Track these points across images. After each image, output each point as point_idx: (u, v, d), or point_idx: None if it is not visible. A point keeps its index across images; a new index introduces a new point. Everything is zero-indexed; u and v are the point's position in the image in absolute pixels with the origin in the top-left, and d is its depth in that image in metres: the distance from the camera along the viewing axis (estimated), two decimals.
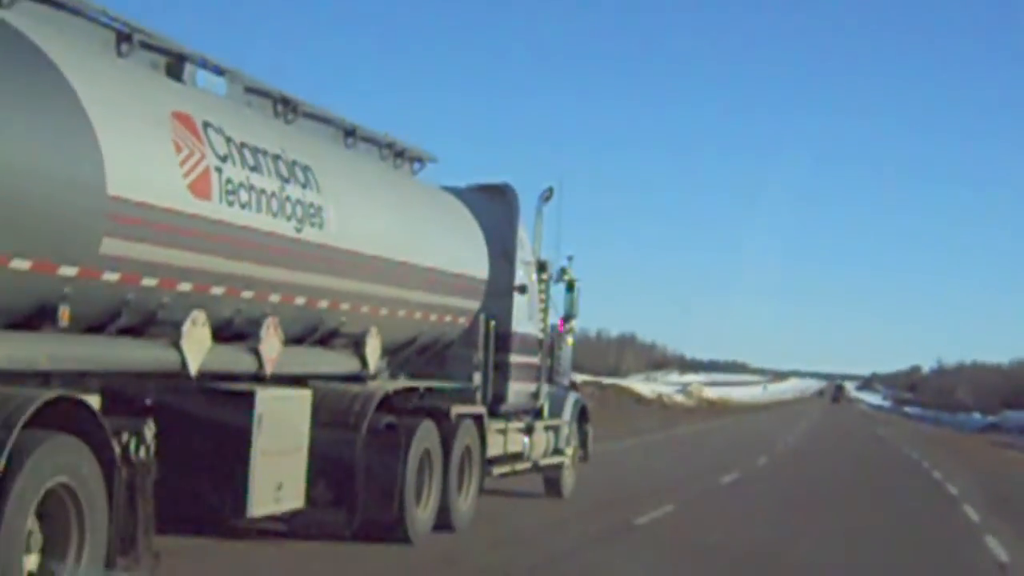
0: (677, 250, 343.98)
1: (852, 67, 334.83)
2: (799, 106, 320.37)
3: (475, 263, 14.98)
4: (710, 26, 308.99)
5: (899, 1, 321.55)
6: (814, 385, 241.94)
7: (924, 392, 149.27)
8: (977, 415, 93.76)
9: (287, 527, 12.27)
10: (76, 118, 8.15)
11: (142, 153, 8.75)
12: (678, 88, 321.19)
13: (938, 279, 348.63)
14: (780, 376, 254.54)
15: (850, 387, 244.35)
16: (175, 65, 10.43)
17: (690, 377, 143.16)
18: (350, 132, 13.26)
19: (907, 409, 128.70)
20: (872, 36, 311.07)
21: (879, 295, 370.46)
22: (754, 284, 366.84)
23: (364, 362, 12.42)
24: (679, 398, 78.48)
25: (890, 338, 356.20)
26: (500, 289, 15.64)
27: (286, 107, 12.03)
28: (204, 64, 10.70)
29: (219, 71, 11.02)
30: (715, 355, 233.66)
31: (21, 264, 7.83)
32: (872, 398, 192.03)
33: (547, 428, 17.74)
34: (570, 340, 19.33)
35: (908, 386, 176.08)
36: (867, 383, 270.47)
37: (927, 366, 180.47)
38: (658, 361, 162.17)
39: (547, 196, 17.55)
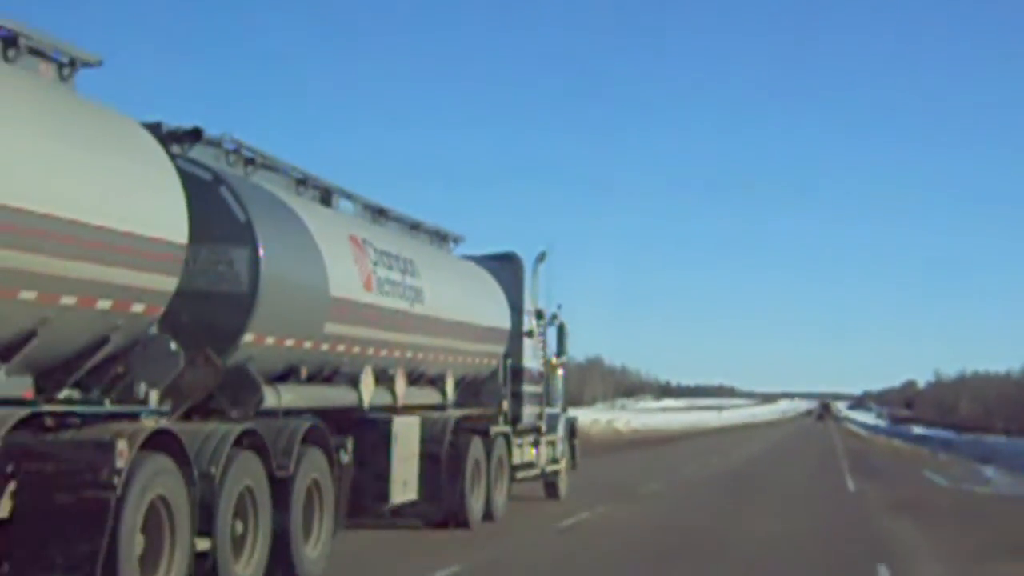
0: (660, 273, 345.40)
1: (840, 78, 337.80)
2: (781, 121, 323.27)
3: (501, 317, 19.93)
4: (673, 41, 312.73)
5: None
6: (803, 406, 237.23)
7: (922, 407, 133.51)
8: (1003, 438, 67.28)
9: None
10: (313, 248, 12.98)
11: (341, 265, 13.59)
12: (666, 105, 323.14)
13: (925, 292, 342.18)
14: (768, 399, 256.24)
15: (841, 406, 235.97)
16: (326, 196, 15.26)
17: (666, 403, 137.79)
18: (415, 226, 18.13)
19: (917, 430, 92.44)
20: (851, 49, 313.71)
21: (868, 313, 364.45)
22: (743, 307, 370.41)
23: (444, 395, 17.32)
24: (619, 426, 68.33)
25: (881, 355, 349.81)
26: (513, 334, 20.62)
27: (382, 215, 16.88)
28: (344, 193, 15.56)
29: (347, 196, 15.86)
30: (703, 380, 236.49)
31: (289, 342, 12.64)
32: (864, 416, 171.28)
33: (548, 442, 22.70)
34: (560, 372, 24.31)
35: (904, 402, 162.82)
36: (859, 402, 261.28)
37: (923, 380, 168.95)
38: (630, 387, 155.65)
39: (541, 258, 22.56)
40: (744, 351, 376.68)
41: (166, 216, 10.23)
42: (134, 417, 10.15)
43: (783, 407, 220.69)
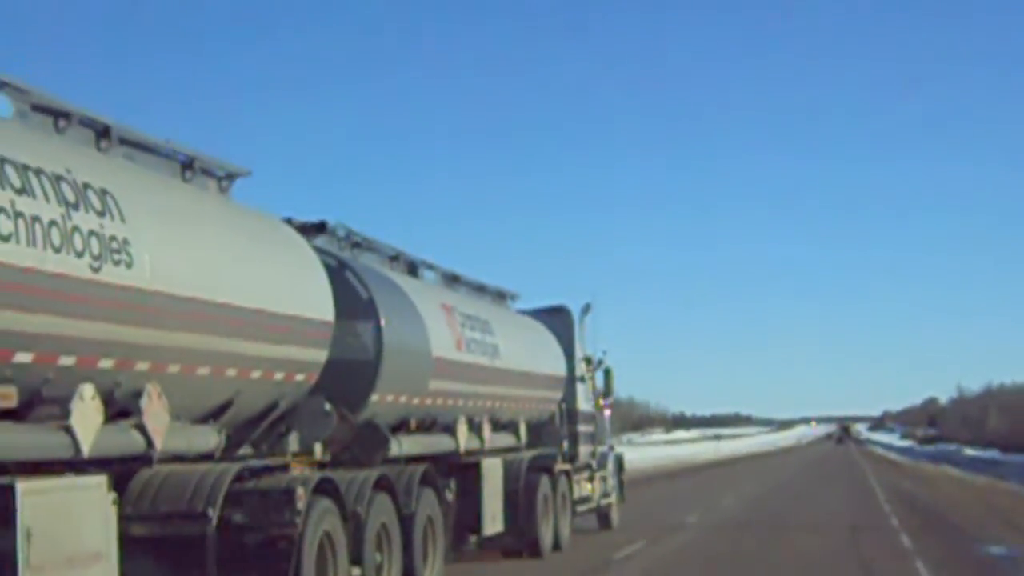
0: (672, 303, 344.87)
1: (863, 103, 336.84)
2: (792, 146, 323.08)
3: (558, 366, 22.10)
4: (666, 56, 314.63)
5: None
6: (821, 430, 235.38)
7: (947, 425, 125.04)
8: None
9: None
10: (417, 316, 15.15)
11: (438, 329, 15.77)
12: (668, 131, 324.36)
13: (939, 307, 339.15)
14: (785, 425, 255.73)
15: (861, 428, 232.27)
16: (412, 268, 17.45)
17: (677, 434, 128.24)
18: (481, 287, 20.31)
19: (969, 452, 75.42)
20: (867, 77, 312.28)
21: (882, 332, 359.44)
22: (756, 335, 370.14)
23: (518, 438, 19.47)
24: None
25: (899, 374, 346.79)
26: (567, 380, 22.77)
27: (456, 280, 19.06)
28: (426, 264, 17.76)
29: (429, 267, 18.05)
30: (719, 409, 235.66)
31: (403, 398, 14.81)
32: (887, 438, 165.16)
33: (600, 478, 24.80)
34: (607, 412, 26.44)
35: (927, 420, 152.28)
36: (879, 423, 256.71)
37: (944, 396, 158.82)
38: (637, 420, 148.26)
39: (587, 309, 24.77)
40: (759, 379, 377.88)
41: (320, 300, 12.44)
42: (284, 469, 12.27)
43: (799, 433, 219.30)
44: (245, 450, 12.07)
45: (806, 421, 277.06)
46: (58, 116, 9.89)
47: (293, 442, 12.99)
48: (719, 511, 31.60)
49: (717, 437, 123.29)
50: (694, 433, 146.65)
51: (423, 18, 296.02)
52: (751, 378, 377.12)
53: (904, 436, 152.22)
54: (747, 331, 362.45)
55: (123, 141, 10.63)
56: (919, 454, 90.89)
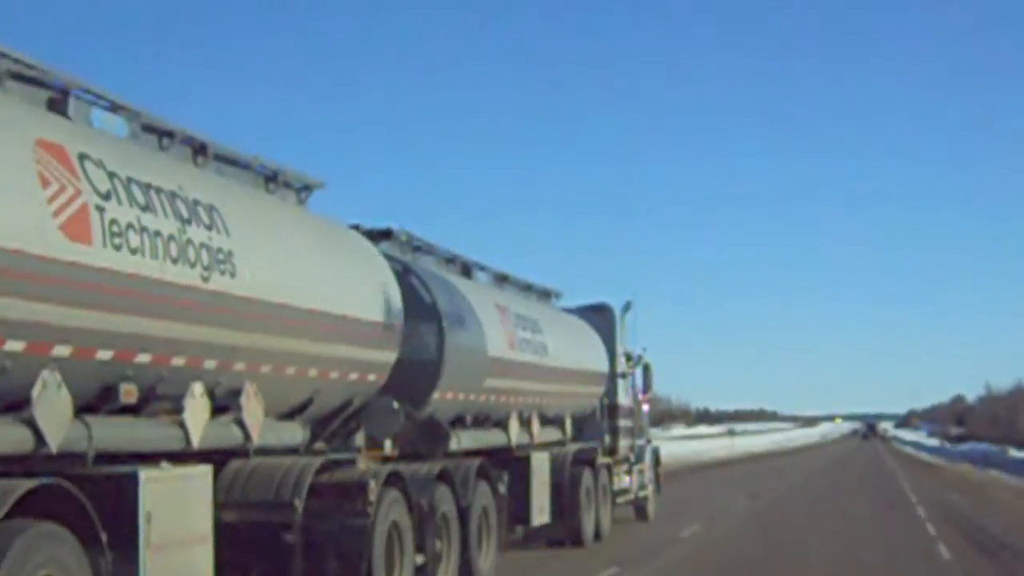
0: (699, 299, 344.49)
1: (886, 104, 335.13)
2: (823, 146, 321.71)
3: (601, 362, 22.94)
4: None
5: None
6: (846, 427, 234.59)
7: (975, 424, 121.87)
8: None
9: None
10: (475, 317, 16.02)
11: (493, 330, 16.62)
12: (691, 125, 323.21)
13: (966, 305, 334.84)
14: (810, 422, 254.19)
15: (887, 426, 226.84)
16: (466, 269, 18.27)
17: (700, 429, 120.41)
18: (528, 287, 21.16)
19: (1016, 453, 66.55)
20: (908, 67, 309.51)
21: (909, 330, 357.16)
22: (783, 331, 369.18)
23: (564, 432, 20.34)
24: None
25: (925, 372, 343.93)
26: (609, 376, 23.62)
27: (505, 280, 19.89)
28: (478, 266, 18.60)
29: (481, 268, 18.88)
30: (744, 405, 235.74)
31: (461, 396, 15.64)
32: (914, 436, 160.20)
33: (639, 470, 25.64)
34: (645, 407, 27.28)
35: (955, 418, 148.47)
36: (905, 421, 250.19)
37: (972, 394, 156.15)
38: (659, 415, 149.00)
39: (627, 307, 25.59)
40: (785, 376, 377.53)
41: (392, 305, 13.30)
42: (351, 462, 13.13)
43: (823, 429, 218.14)
44: (318, 445, 12.96)
45: (831, 418, 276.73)
46: (162, 135, 10.77)
47: (360, 437, 13.91)
48: (684, 547, 21.74)
49: (731, 432, 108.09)
50: (717, 428, 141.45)
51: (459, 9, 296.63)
52: (777, 375, 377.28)
53: (931, 434, 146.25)
54: (774, 327, 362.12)
55: (217, 157, 11.51)
56: (953, 454, 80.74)
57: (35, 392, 7.83)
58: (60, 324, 8.04)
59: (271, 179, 12.65)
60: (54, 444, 7.97)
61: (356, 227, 14.78)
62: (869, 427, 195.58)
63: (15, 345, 7.72)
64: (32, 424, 7.85)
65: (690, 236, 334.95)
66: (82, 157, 8.47)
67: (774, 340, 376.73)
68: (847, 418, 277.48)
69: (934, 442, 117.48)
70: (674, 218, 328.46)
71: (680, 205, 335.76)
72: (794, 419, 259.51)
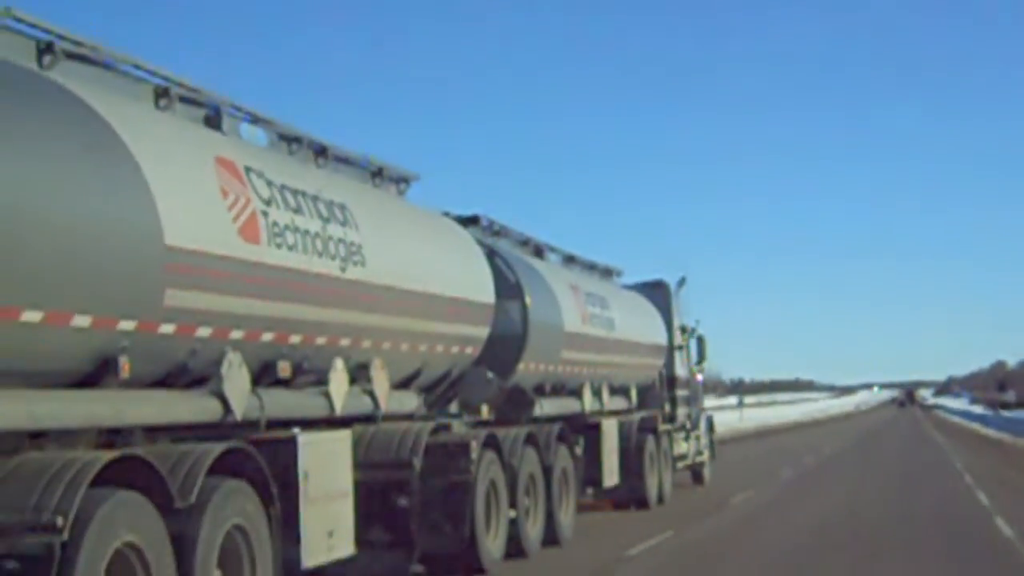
0: (740, 266, 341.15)
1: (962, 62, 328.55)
2: (867, 106, 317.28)
3: (661, 336, 24.44)
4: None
5: None
6: (885, 395, 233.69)
7: (1017, 389, 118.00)
8: None
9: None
10: (552, 295, 17.50)
11: (568, 306, 18.10)
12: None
13: (1004, 268, 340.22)
14: (847, 391, 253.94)
15: (926, 394, 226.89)
16: (538, 250, 19.74)
17: (730, 400, 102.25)
18: (593, 265, 22.60)
19: None
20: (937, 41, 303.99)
21: (947, 296, 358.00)
22: (821, 299, 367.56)
23: (630, 401, 21.85)
24: None
25: (964, 337, 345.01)
26: (667, 348, 25.09)
27: (572, 261, 21.33)
28: (549, 248, 20.05)
29: (552, 249, 20.34)
30: (779, 375, 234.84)
31: (541, 367, 17.14)
32: (956, 403, 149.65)
33: (695, 437, 27.13)
34: (700, 377, 28.74)
35: (997, 384, 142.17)
36: (944, 388, 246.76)
37: (1013, 360, 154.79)
38: None
39: (682, 283, 27.09)
40: (823, 344, 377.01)
41: (485, 285, 14.82)
42: (450, 427, 14.64)
43: (859, 399, 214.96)
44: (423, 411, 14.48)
45: (868, 387, 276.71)
46: (291, 140, 12.26)
47: (454, 405, 15.44)
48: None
49: (740, 404, 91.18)
50: (752, 399, 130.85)
51: None
52: (815, 343, 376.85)
53: (974, 401, 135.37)
54: (812, 296, 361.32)
55: (336, 158, 12.99)
56: (1015, 425, 62.59)
57: (223, 369, 9.36)
58: (237, 312, 9.57)
59: (376, 174, 14.13)
60: (239, 413, 9.51)
61: (446, 214, 16.25)
62: (907, 394, 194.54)
63: (204, 331, 9.24)
64: (221, 396, 9.38)
65: (725, 204, 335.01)
66: (248, 169, 10.00)
67: (812, 309, 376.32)
68: (885, 386, 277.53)
69: (978, 409, 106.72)
70: (709, 182, 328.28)
71: (715, 172, 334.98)
72: (831, 388, 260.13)
